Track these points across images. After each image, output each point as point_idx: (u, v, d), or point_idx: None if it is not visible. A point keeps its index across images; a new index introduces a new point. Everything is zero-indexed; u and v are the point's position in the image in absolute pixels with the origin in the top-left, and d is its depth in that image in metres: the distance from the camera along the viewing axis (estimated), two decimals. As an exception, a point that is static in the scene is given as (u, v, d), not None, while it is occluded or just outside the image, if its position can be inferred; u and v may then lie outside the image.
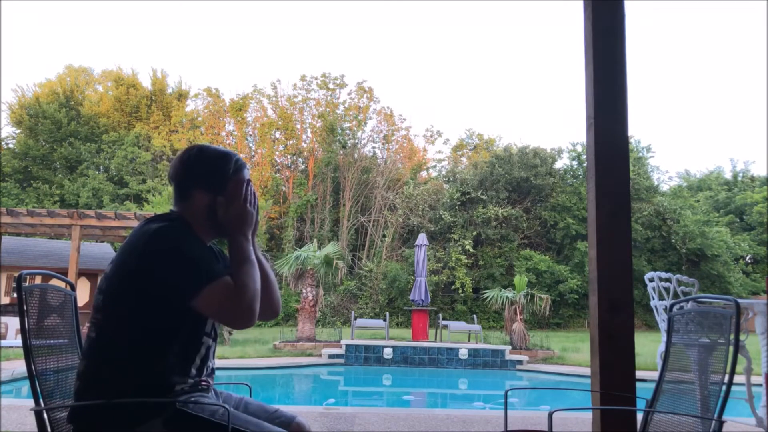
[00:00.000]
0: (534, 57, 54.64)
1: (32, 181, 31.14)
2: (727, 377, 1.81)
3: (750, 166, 38.21)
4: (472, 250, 26.20)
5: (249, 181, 1.68)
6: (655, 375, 2.18)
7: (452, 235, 26.74)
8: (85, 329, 1.59)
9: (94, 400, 1.42)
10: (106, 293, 1.48)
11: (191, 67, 55.54)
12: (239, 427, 1.48)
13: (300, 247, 16.78)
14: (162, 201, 24.59)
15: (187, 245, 1.48)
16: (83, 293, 16.27)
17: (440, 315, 17.65)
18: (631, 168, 22.29)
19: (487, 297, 14.51)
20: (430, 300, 14.20)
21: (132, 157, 32.33)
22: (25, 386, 7.19)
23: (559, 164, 30.74)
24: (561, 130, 55.88)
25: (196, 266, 1.44)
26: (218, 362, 10.37)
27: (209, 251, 1.60)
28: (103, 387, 1.43)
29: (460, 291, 25.41)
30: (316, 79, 33.58)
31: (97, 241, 20.67)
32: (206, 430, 1.45)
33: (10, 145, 33.10)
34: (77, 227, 13.23)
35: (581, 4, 2.73)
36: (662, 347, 4.96)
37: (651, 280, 5.38)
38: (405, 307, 22.49)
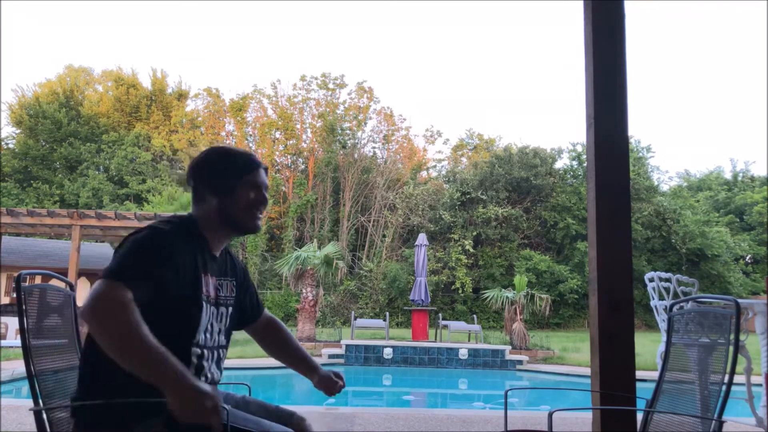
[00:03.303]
0: (534, 57, 54.69)
1: (32, 181, 31.14)
2: (727, 377, 1.81)
3: (750, 166, 38.23)
4: (472, 250, 26.20)
5: (263, 185, 1.66)
6: (655, 375, 2.18)
7: (452, 235, 26.74)
8: (84, 329, 1.59)
9: (93, 399, 1.42)
10: None
11: (191, 67, 55.62)
12: (238, 425, 1.47)
13: (300, 247, 16.78)
14: (162, 201, 24.57)
15: (148, 248, 1.41)
16: (83, 293, 16.27)
17: (440, 315, 17.65)
18: (631, 168, 22.28)
19: (487, 297, 14.50)
20: (430, 300, 14.19)
21: (132, 157, 32.33)
22: (25, 386, 7.19)
23: (559, 164, 30.75)
24: (561, 130, 55.93)
25: (123, 261, 1.36)
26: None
27: (183, 265, 1.47)
28: (103, 386, 1.43)
29: (460, 291, 25.41)
30: (316, 79, 33.58)
31: (97, 241, 20.68)
32: (206, 429, 1.45)
33: (10, 145, 33.11)
34: (77, 227, 13.22)
35: (581, 4, 2.73)
36: (662, 347, 4.95)
37: (651, 280, 5.38)
38: (405, 307, 22.48)
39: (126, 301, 1.28)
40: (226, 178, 1.61)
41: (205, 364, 1.57)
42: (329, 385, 1.80)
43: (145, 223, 14.27)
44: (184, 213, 1.66)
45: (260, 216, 1.67)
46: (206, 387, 1.25)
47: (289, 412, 1.74)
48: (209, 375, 1.59)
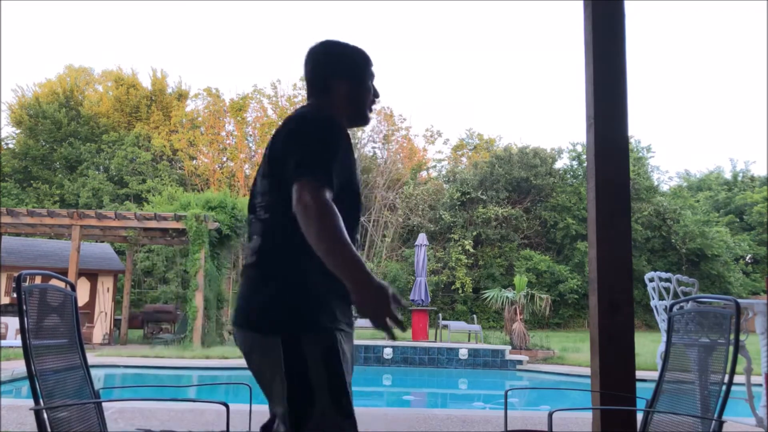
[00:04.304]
0: (534, 57, 54.63)
1: (32, 181, 31.10)
2: (727, 377, 1.81)
3: (750, 166, 38.19)
4: (472, 250, 26.20)
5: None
6: (655, 375, 2.18)
7: (452, 235, 26.75)
8: (85, 329, 1.59)
9: (277, 284, 1.45)
10: (269, 176, 1.50)
11: (191, 67, 55.58)
12: (337, 370, 1.44)
13: (300, 247, 16.75)
14: (162, 201, 24.53)
15: (334, 143, 1.44)
16: (83, 293, 16.24)
17: (440, 315, 17.65)
18: (631, 168, 22.27)
19: (487, 297, 14.50)
20: (430, 300, 14.19)
21: (132, 157, 32.28)
22: (25, 386, 7.19)
23: (559, 164, 30.76)
24: (561, 130, 55.90)
25: (319, 160, 1.39)
26: (218, 362, 10.32)
27: (346, 141, 1.51)
28: (286, 267, 1.45)
29: (460, 291, 25.42)
30: (316, 79, 33.55)
31: (97, 241, 20.66)
32: (335, 384, 1.43)
33: (10, 145, 33.08)
34: (77, 227, 13.22)
35: (581, 4, 2.73)
36: (662, 347, 4.95)
37: (651, 280, 5.38)
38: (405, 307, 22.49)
39: (334, 208, 1.33)
40: (357, 65, 1.62)
41: None
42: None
43: (145, 224, 14.22)
44: (308, 105, 1.61)
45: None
46: (388, 287, 1.35)
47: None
48: None
